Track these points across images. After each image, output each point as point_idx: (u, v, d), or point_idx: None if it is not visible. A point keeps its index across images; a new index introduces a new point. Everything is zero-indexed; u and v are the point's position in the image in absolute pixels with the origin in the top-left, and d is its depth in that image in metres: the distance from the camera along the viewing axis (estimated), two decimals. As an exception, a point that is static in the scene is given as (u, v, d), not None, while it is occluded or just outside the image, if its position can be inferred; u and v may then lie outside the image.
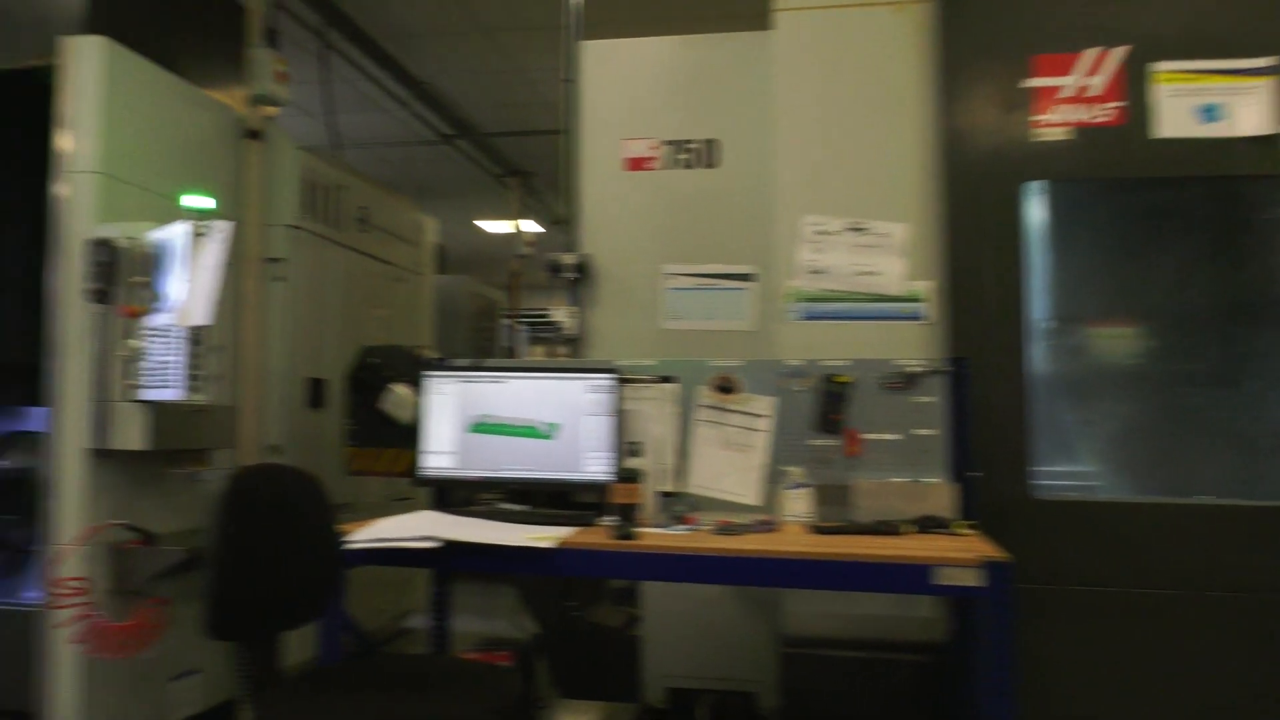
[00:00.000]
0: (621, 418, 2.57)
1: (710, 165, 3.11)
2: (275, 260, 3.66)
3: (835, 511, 2.52)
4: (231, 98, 3.73)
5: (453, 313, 6.47)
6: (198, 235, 2.70)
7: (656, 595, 3.12)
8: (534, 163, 7.36)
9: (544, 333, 13.31)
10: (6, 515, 3.46)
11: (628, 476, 2.32)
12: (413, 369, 3.20)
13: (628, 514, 2.26)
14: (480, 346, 6.84)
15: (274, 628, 1.91)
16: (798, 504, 2.52)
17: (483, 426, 2.59)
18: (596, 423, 2.54)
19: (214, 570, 1.72)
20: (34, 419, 3.94)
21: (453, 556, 2.10)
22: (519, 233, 7.50)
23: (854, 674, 2.79)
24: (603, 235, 3.09)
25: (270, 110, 3.75)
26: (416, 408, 3.08)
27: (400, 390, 3.07)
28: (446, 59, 5.52)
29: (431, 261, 5.07)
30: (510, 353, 7.68)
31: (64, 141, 3.01)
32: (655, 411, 2.66)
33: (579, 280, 3.03)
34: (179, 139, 3.39)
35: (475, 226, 9.80)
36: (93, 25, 3.13)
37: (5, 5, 3.28)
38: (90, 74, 3.01)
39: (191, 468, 3.27)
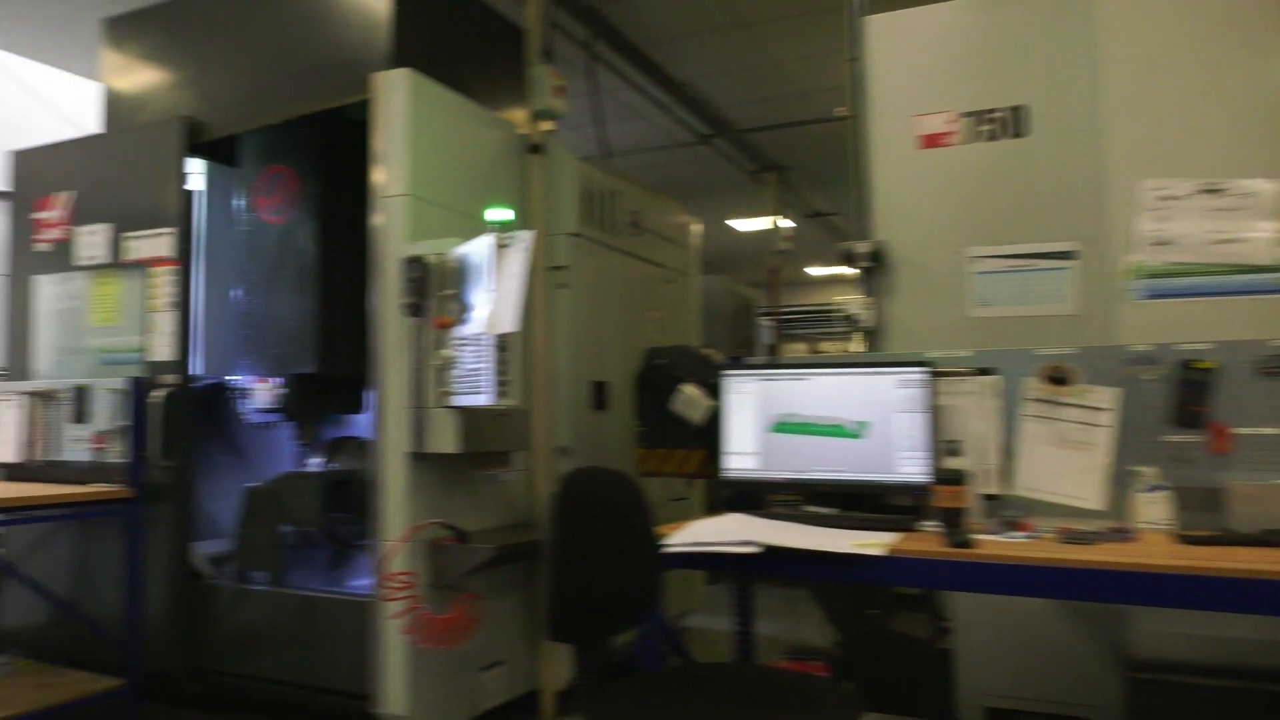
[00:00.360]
0: (937, 414, 2.37)
1: (1017, 134, 2.81)
2: (559, 268, 3.78)
3: (1203, 518, 2.17)
4: (513, 115, 3.91)
5: (711, 312, 6.46)
6: (501, 246, 2.81)
7: (967, 604, 2.87)
8: (790, 156, 7.21)
9: (805, 329, 13.14)
10: (337, 513, 3.82)
11: (952, 478, 2.12)
12: (700, 369, 3.17)
13: (954, 519, 2.06)
14: (739, 344, 6.80)
15: (606, 631, 1.90)
16: (1154, 509, 2.19)
17: (785, 426, 2.48)
18: (909, 420, 2.36)
19: (553, 572, 1.74)
20: (356, 425, 4.34)
21: (772, 562, 2.01)
22: (776, 228, 7.37)
23: (1222, 706, 2.40)
24: (897, 220, 2.89)
25: (548, 125, 3.88)
26: (707, 408, 3.04)
27: (690, 391, 3.04)
28: (704, 59, 5.51)
29: (697, 262, 5.07)
30: (772, 350, 7.58)
31: (378, 169, 3.26)
32: (974, 407, 2.43)
33: (873, 269, 2.85)
34: (472, 158, 3.58)
35: (726, 226, 9.80)
36: (397, 59, 3.38)
37: (320, 52, 3.60)
38: (398, 104, 3.24)
39: (493, 469, 3.44)
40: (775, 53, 5.53)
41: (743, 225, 9.79)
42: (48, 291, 4.05)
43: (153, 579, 3.65)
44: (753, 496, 2.70)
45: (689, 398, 3.03)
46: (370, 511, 3.70)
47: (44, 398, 3.78)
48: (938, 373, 2.38)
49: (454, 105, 3.49)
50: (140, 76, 4.13)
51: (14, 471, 3.92)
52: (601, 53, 4.89)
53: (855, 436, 2.40)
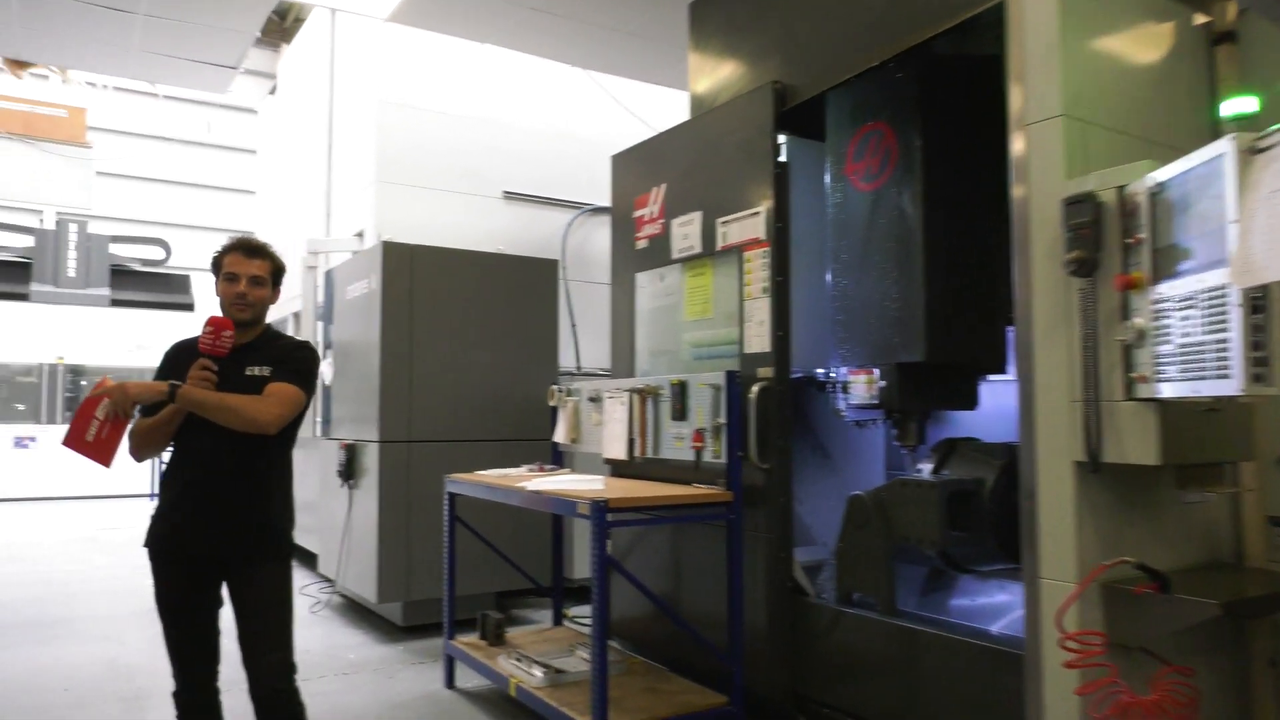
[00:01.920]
0: None
1: None
2: (1273, 201, 2.61)
3: None
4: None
5: None
6: (1251, 153, 1.85)
7: None
8: None
9: None
10: (955, 531, 3.12)
11: None
12: None
13: None
14: None
15: None
16: None
17: None
18: None
19: None
20: (965, 424, 3.62)
21: None
22: None
23: None
24: None
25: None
26: None
27: None
28: None
29: None
30: None
31: (1015, 87, 2.50)
32: None
33: None
34: (1139, 62, 2.63)
35: None
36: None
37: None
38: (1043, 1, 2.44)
39: (1202, 488, 2.42)
40: None
41: None
42: (646, 289, 4.03)
43: (750, 590, 3.34)
44: None
45: None
46: (1001, 533, 2.97)
47: (646, 395, 3.71)
48: None
49: (1113, -9, 2.58)
50: (722, 61, 3.93)
51: (619, 468, 3.95)
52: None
53: None
